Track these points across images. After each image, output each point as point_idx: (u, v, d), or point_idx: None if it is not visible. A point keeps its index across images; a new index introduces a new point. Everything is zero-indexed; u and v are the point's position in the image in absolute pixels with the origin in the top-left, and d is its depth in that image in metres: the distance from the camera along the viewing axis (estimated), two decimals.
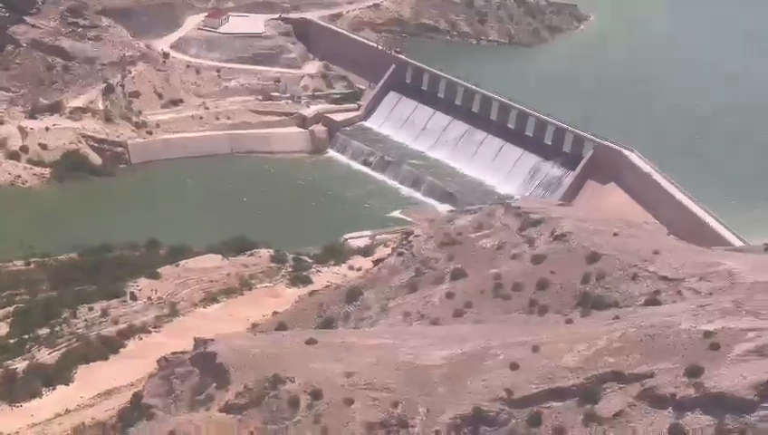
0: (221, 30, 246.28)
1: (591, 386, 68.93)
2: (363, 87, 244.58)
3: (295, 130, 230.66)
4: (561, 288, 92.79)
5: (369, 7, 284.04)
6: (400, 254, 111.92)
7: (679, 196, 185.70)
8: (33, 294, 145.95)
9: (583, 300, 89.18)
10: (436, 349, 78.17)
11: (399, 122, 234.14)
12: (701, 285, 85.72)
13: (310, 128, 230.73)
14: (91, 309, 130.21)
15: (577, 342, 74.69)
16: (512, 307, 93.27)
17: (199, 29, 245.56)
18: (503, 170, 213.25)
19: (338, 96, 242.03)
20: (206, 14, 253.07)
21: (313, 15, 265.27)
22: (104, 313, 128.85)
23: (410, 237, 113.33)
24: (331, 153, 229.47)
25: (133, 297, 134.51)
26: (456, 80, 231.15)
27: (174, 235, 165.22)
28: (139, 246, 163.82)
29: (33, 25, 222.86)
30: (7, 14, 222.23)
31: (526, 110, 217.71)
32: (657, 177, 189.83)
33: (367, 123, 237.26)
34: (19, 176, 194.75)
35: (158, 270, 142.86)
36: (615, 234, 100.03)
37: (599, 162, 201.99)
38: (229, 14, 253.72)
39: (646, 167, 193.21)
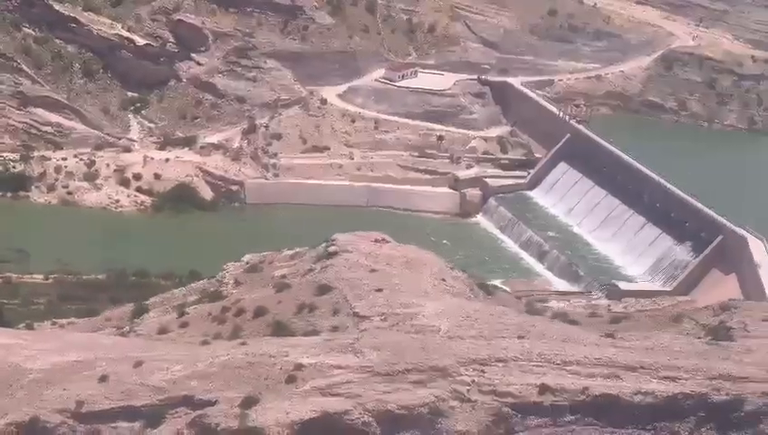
0: (399, 83, 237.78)
1: (160, 409, 67.19)
2: (541, 156, 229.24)
3: (445, 190, 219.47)
4: (273, 316, 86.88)
5: (588, 78, 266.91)
6: None
7: None
8: (24, 306, 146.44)
9: (274, 329, 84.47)
10: (58, 355, 75.29)
11: (559, 194, 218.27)
12: (374, 324, 79.67)
13: (462, 190, 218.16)
14: (53, 324, 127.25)
15: (180, 362, 71.84)
16: (216, 330, 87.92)
17: (375, 80, 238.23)
18: (636, 251, 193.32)
19: (507, 162, 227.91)
20: None
21: (518, 80, 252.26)
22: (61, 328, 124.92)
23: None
24: (479, 218, 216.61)
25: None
26: (618, 153, 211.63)
27: None
28: (176, 276, 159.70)
29: (197, 62, 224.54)
30: (177, 50, 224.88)
31: (674, 189, 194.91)
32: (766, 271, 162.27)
33: (530, 192, 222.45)
34: (118, 201, 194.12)
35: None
36: (372, 270, 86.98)
37: (725, 250, 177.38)
38: (418, 69, 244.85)
39: (759, 256, 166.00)
